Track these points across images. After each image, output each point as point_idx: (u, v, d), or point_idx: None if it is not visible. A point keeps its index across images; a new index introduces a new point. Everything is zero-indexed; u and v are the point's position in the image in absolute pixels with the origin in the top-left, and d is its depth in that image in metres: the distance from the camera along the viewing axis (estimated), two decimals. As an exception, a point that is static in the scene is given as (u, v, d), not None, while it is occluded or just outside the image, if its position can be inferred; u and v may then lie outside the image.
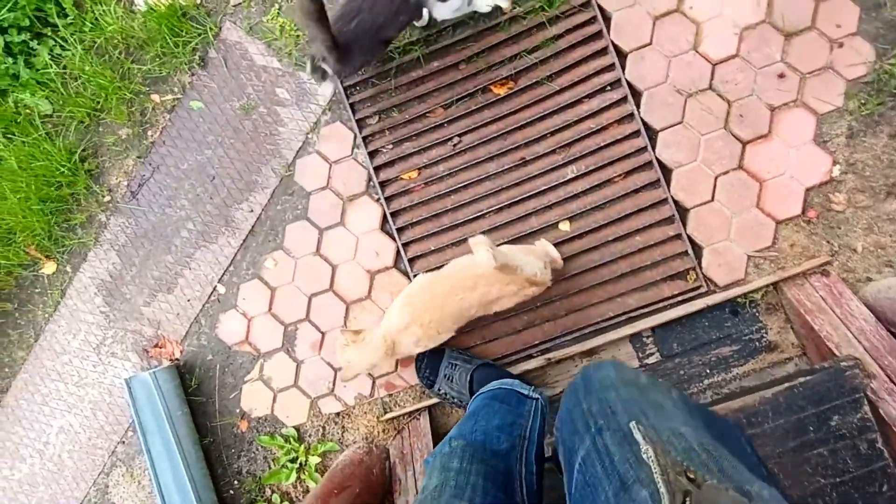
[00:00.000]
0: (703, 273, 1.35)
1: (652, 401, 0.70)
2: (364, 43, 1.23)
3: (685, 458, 0.56)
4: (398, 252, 1.45)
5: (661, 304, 1.36)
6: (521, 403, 1.04)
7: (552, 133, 1.41)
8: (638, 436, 0.58)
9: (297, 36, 1.47)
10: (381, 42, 1.29)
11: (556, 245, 1.38)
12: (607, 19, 1.39)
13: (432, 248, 1.44)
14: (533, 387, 1.12)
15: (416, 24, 1.39)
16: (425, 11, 1.34)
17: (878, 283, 1.28)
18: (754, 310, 1.35)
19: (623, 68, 1.38)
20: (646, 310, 1.37)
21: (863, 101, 1.32)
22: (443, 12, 1.32)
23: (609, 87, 1.39)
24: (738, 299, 1.35)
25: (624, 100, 1.38)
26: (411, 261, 1.44)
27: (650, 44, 1.38)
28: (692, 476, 0.54)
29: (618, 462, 0.59)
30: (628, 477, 0.56)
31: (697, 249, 1.36)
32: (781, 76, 1.35)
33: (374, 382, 1.45)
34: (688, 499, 0.51)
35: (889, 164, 1.32)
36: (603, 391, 0.72)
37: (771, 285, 1.33)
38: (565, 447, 0.74)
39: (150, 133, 1.53)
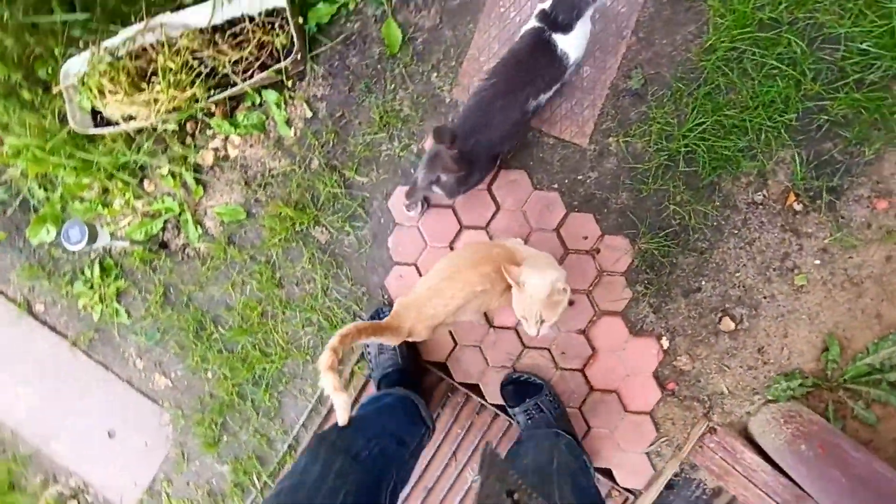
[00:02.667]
0: (622, 487, 1.46)
1: None
2: (481, 161, 1.24)
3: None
4: None
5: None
6: None
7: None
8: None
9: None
10: (494, 158, 1.29)
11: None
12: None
13: None
14: None
15: None
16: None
17: (756, 419, 1.39)
18: (685, 475, 1.45)
19: (451, 374, 1.50)
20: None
21: (646, 283, 1.43)
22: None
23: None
24: (673, 478, 1.44)
25: (469, 398, 1.50)
26: None
27: (455, 345, 1.49)
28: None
29: None
30: None
31: (606, 472, 1.47)
32: (571, 304, 1.46)
33: None
34: None
35: (699, 316, 1.42)
36: None
37: (680, 465, 1.44)
38: None
39: None
